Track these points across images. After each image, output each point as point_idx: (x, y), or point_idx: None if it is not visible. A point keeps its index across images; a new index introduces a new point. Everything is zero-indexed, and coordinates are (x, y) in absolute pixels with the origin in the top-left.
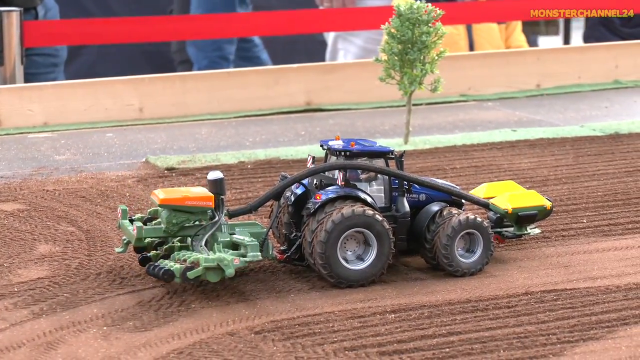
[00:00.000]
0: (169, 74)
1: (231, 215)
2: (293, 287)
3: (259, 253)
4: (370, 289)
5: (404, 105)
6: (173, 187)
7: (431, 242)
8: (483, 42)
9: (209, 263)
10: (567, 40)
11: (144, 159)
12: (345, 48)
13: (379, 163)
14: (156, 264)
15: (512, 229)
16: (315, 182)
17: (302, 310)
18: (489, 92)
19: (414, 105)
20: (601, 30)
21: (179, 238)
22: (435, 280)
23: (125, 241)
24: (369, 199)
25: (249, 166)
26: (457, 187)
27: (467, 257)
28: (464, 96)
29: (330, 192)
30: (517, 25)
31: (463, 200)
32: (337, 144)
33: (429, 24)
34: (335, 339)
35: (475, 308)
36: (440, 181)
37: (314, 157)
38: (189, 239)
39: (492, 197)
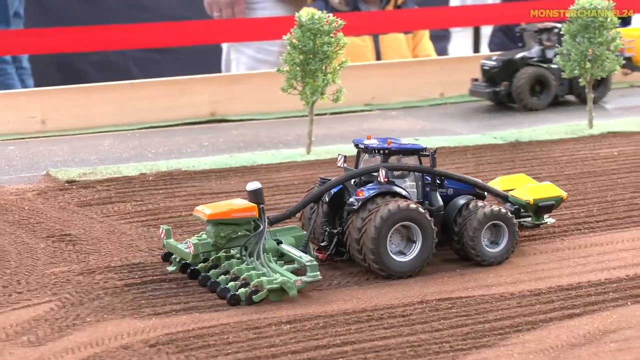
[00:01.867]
0: (73, 86)
1: (271, 222)
2: (190, 300)
3: (318, 272)
4: (265, 301)
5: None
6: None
7: (459, 233)
8: (390, 52)
9: (272, 286)
10: (477, 49)
11: (44, 172)
12: (237, 58)
13: (412, 160)
14: (215, 280)
15: (529, 219)
16: (354, 180)
17: (197, 323)
18: (393, 101)
19: (318, 115)
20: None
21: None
22: (331, 290)
23: (177, 259)
24: (407, 195)
25: (150, 178)
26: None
27: (492, 247)
28: (368, 105)
29: (370, 189)
30: (425, 35)
31: (485, 193)
32: (372, 142)
33: (330, 34)
34: (230, 351)
35: (370, 317)
36: (463, 176)
37: (345, 156)
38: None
39: (509, 190)
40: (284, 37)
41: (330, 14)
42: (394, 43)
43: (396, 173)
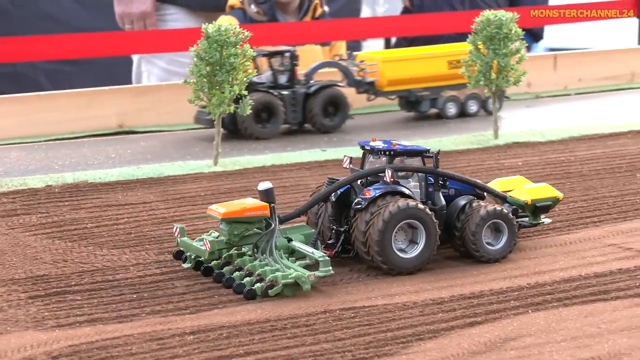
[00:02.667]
0: None
1: (282, 220)
2: (94, 312)
3: (330, 267)
4: (169, 312)
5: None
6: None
7: (461, 231)
8: (307, 62)
9: (287, 280)
10: None
11: None
12: (149, 70)
13: (416, 161)
14: (230, 276)
15: (527, 219)
16: (361, 180)
17: (101, 334)
18: None
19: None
20: None
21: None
22: (235, 301)
23: (192, 256)
24: (411, 194)
25: (56, 190)
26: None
27: (493, 244)
28: None
29: (377, 188)
30: (342, 45)
31: (485, 194)
32: (378, 144)
33: (237, 46)
34: None
35: (274, 327)
36: (464, 177)
37: (351, 158)
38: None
39: (507, 191)
40: (191, 48)
41: (237, 26)
42: (310, 54)
43: (401, 174)
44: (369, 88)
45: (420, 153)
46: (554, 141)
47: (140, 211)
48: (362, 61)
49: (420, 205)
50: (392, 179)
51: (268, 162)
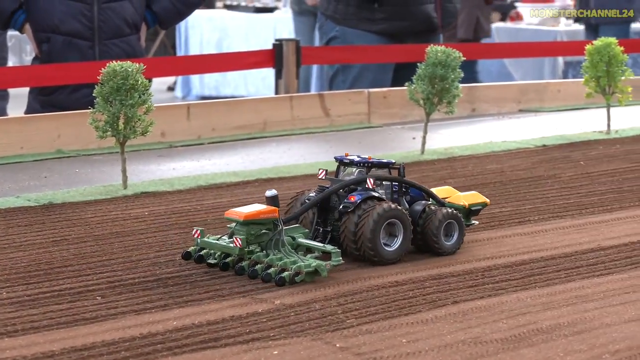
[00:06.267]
0: None
1: (284, 222)
2: None
3: (341, 258)
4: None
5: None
6: None
7: (422, 231)
8: None
9: (309, 269)
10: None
11: None
12: None
13: (384, 172)
14: (254, 269)
15: None
16: (341, 190)
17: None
18: None
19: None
20: None
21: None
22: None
23: (217, 254)
24: (386, 199)
25: None
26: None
27: (448, 240)
28: None
29: (359, 194)
30: None
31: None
32: (354, 158)
33: None
34: None
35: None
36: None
37: (326, 170)
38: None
39: (444, 198)
40: None
41: None
42: None
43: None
44: None
45: (388, 165)
46: (182, 190)
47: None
48: None
49: (399, 207)
50: (373, 186)
51: None
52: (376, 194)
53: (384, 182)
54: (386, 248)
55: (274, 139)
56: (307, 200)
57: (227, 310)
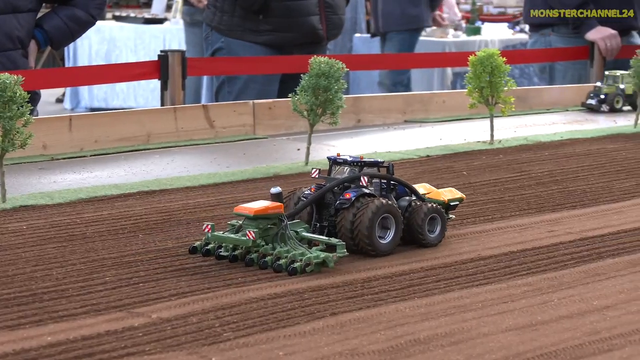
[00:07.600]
0: None
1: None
2: None
3: (345, 250)
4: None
5: None
6: None
7: (408, 224)
8: None
9: (318, 260)
10: None
11: None
12: None
13: (375, 170)
14: (264, 260)
15: None
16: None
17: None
18: None
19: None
20: None
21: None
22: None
23: (231, 247)
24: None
25: None
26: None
27: (431, 233)
28: None
29: (353, 191)
30: None
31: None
32: (346, 157)
33: None
34: None
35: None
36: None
37: (319, 169)
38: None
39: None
40: None
41: None
42: None
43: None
44: None
45: (377, 164)
46: (62, 204)
47: None
48: None
49: (391, 203)
50: (367, 183)
51: None
52: (368, 191)
53: (373, 180)
54: (381, 241)
55: (157, 151)
56: (302, 197)
57: (102, 325)
